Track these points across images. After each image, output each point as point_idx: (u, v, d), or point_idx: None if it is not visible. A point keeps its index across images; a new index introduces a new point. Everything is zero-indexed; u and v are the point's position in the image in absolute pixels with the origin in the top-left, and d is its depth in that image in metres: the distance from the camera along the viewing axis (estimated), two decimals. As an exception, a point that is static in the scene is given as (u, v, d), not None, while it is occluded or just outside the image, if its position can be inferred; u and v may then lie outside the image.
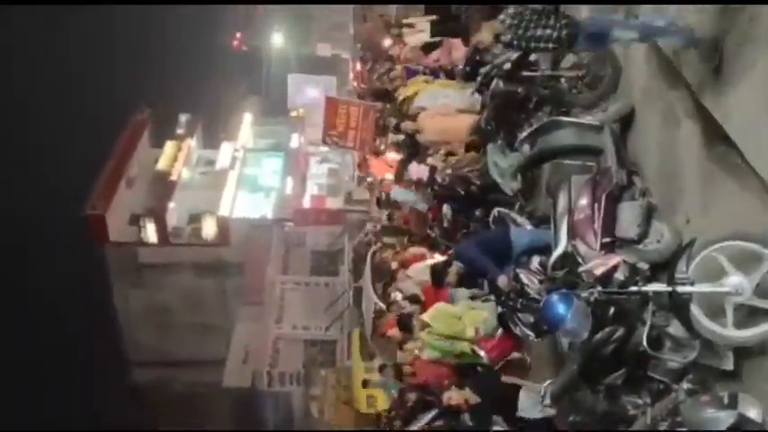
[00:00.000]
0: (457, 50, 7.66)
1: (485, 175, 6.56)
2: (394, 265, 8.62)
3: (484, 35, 5.70)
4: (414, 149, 8.31)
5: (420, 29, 8.76)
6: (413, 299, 7.37)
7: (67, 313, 29.31)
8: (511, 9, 4.93)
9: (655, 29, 4.07)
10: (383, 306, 9.05)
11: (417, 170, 8.02)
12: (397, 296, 7.76)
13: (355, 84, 17.92)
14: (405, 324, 7.20)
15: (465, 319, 6.23)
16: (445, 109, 7.21)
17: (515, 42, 4.68)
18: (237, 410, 22.94)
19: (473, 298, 6.28)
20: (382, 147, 10.54)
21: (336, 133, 10.29)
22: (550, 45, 4.63)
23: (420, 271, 7.43)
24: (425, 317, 6.55)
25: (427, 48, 8.17)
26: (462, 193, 7.11)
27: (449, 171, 7.23)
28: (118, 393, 26.43)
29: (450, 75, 7.89)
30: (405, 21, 9.34)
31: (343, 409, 15.92)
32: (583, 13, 4.93)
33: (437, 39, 8.10)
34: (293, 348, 22.19)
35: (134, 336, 25.66)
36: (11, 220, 30.34)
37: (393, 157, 9.92)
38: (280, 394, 21.41)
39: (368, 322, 10.72)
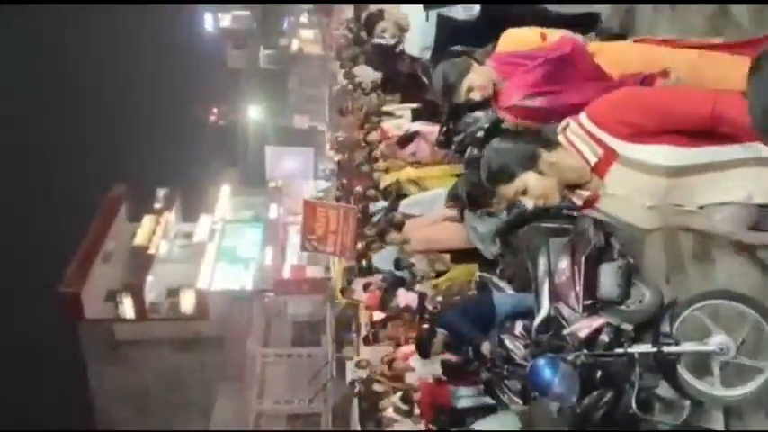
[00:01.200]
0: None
1: None
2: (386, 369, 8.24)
3: None
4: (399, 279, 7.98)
5: (399, 115, 8.62)
6: (405, 398, 7.06)
7: (40, 394, 28.35)
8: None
9: None
10: None
11: (405, 297, 7.66)
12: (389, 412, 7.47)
13: (332, 153, 18.06)
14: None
15: None
16: (431, 218, 7.05)
17: None
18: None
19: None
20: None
21: (316, 237, 9.99)
22: None
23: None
24: None
25: (403, 142, 8.09)
26: None
27: (440, 298, 7.01)
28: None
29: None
30: (384, 108, 9.25)
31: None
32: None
33: (413, 131, 7.99)
34: (276, 424, 21.57)
35: (110, 416, 24.75)
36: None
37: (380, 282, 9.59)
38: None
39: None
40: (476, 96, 3.15)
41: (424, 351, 6.25)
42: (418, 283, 7.58)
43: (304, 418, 21.33)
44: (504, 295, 5.73)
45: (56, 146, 35.02)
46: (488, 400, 6.21)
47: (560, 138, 2.37)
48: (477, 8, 4.52)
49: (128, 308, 23.75)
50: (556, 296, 4.56)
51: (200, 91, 39.61)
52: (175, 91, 38.70)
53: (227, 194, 29.69)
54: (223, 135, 37.99)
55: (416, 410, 7.15)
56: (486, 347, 5.22)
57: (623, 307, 4.41)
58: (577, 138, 2.34)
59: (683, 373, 3.72)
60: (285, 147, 32.24)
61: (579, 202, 2.45)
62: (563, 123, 2.39)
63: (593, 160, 2.31)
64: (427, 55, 5.57)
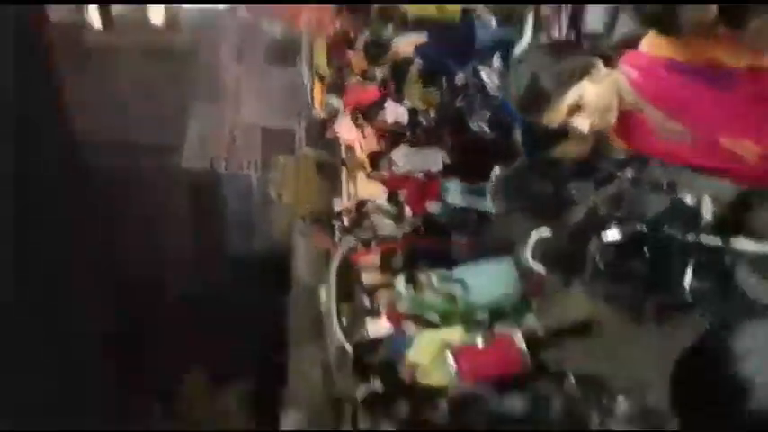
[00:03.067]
0: None
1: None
2: None
3: None
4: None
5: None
6: (391, 198, 6.81)
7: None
8: None
9: None
10: None
11: (394, 111, 6.59)
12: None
13: None
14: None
15: None
16: None
17: None
18: (197, 192, 23.42)
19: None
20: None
21: None
22: None
23: None
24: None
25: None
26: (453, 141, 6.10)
27: (433, 114, 6.17)
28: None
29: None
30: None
31: (302, 191, 15.99)
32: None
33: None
34: (250, 136, 22.41)
35: (88, 127, 25.04)
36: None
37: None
38: (239, 176, 22.03)
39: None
40: (581, 124, 1.84)
41: (399, 79, 6.26)
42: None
43: (278, 133, 21.99)
44: (486, 27, 5.62)
45: None
46: (477, 188, 6.06)
47: None
48: None
49: (94, 17, 22.79)
50: (539, 26, 4.55)
51: None
52: None
53: None
54: None
55: (407, 212, 6.85)
56: (459, 78, 5.31)
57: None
58: None
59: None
60: None
61: None
62: None
63: None
64: None
